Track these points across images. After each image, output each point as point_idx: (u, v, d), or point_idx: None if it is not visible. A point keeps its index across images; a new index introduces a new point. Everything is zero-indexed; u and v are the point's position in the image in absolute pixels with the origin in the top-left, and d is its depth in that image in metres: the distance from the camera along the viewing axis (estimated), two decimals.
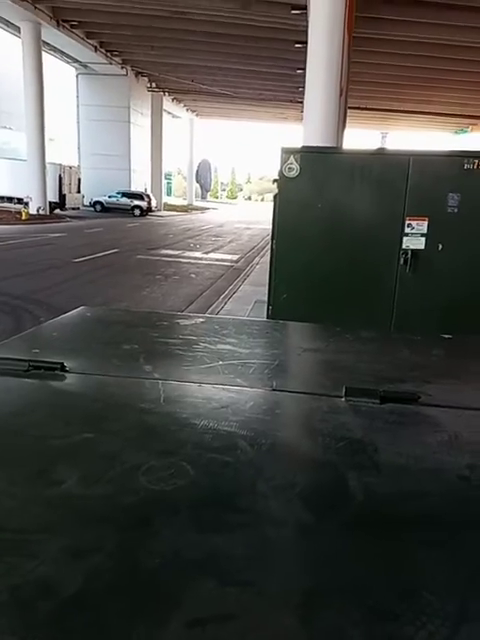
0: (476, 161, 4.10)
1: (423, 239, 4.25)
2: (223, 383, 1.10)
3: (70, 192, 28.44)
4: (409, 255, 4.26)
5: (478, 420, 1.00)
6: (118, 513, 0.67)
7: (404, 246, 4.27)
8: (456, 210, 4.17)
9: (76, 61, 28.76)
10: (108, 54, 27.12)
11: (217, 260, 13.42)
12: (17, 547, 0.60)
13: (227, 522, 0.65)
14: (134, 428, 0.90)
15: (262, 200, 72.17)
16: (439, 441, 0.89)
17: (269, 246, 4.64)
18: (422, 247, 4.26)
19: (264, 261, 10.38)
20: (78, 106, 32.47)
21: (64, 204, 27.35)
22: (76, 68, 30.64)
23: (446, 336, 1.61)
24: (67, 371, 1.10)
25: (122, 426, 0.90)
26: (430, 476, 0.79)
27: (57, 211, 25.83)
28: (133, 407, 0.98)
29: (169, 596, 0.54)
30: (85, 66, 29.51)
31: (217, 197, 78.14)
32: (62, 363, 1.10)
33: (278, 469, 0.79)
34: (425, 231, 4.24)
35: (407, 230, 4.26)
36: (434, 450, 0.86)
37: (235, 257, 14.24)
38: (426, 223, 4.23)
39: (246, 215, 38.95)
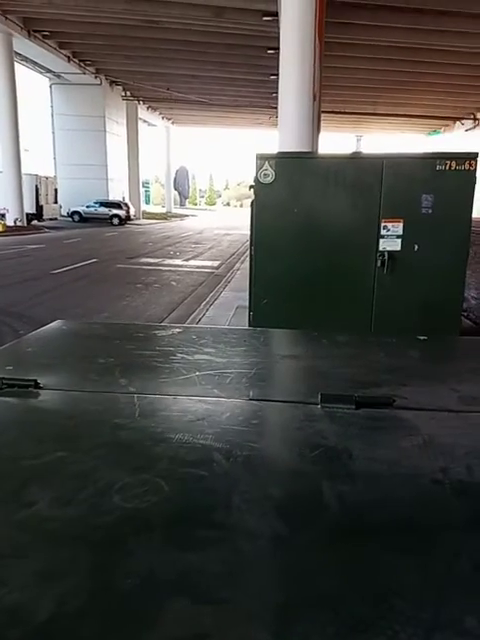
0: (448, 162, 4.17)
1: (399, 241, 4.31)
2: (199, 394, 1.10)
3: (47, 203, 28.25)
4: (386, 257, 4.31)
5: (452, 421, 1.01)
6: (91, 533, 0.66)
7: (381, 248, 4.32)
8: (430, 211, 4.23)
9: (49, 71, 28.60)
10: (81, 64, 27.04)
11: (198, 267, 13.40)
12: None
13: (201, 539, 0.65)
14: (108, 445, 0.89)
15: (241, 206, 72.39)
16: (413, 445, 0.89)
17: (248, 252, 4.65)
18: (398, 248, 4.31)
19: (245, 267, 10.39)
20: (53, 116, 32.28)
21: (41, 215, 27.16)
22: (49, 78, 30.48)
23: (421, 337, 1.62)
24: (41, 388, 1.09)
25: (96, 443, 0.89)
26: (404, 481, 0.79)
27: (34, 222, 25.62)
28: (107, 423, 0.97)
29: (143, 617, 0.53)
30: (58, 76, 29.37)
31: (196, 204, 78.19)
32: (36, 380, 1.09)
33: (253, 481, 0.79)
34: (401, 233, 4.29)
35: (383, 232, 4.31)
36: (408, 454, 0.87)
37: (216, 263, 14.24)
38: (401, 225, 4.29)
39: (225, 221, 39.01)
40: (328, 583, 0.59)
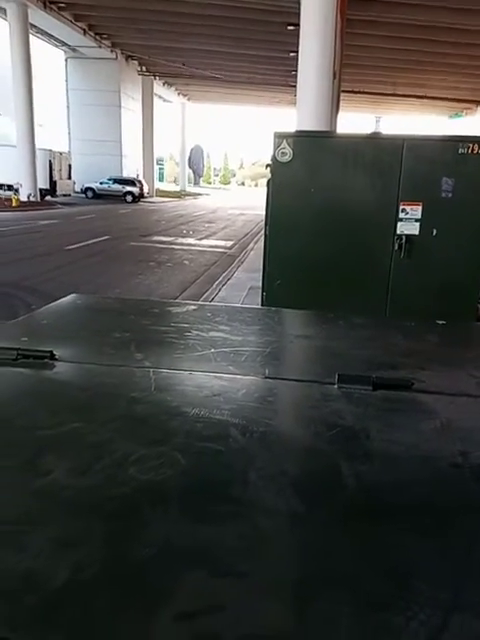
0: (470, 145, 4.07)
1: (417, 224, 4.24)
2: (215, 371, 1.09)
3: (61, 178, 28.16)
4: (403, 240, 4.25)
5: (471, 406, 1.00)
6: (107, 504, 0.66)
7: (398, 231, 4.26)
8: (450, 195, 4.15)
9: (64, 44, 28.27)
10: (97, 37, 26.69)
11: (210, 246, 13.35)
12: (4, 539, 0.59)
13: (218, 512, 0.65)
14: (124, 417, 0.89)
15: (256, 185, 71.79)
16: (432, 428, 0.88)
17: (263, 232, 4.61)
18: (416, 232, 4.25)
19: (258, 247, 10.33)
20: (67, 91, 31.97)
21: (55, 191, 27.10)
22: (65, 51, 30.12)
23: (440, 322, 1.60)
24: (56, 360, 1.09)
25: (112, 415, 0.89)
26: (423, 464, 0.78)
27: (48, 198, 25.58)
28: (123, 396, 0.97)
29: (159, 588, 0.53)
30: (74, 50, 29.01)
31: (210, 183, 77.66)
32: (51, 351, 1.09)
33: (270, 458, 0.78)
34: (419, 216, 4.22)
35: (401, 215, 4.24)
36: (427, 437, 0.86)
37: (229, 243, 14.18)
38: (420, 208, 4.21)
39: (239, 201, 38.74)
40: (345, 561, 0.58)
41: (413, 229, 4.25)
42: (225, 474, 0.73)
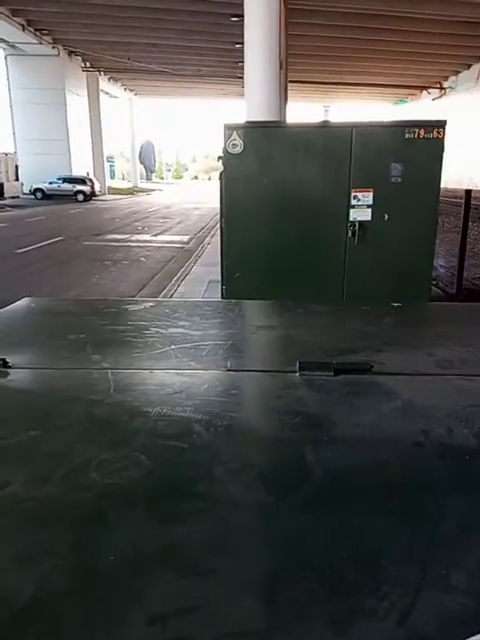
0: (416, 130, 4.16)
1: (369, 210, 4.31)
2: (176, 368, 1.08)
3: (8, 180, 27.35)
4: (357, 227, 4.32)
5: (429, 384, 1.02)
6: (70, 512, 0.64)
7: (351, 218, 4.32)
8: (399, 180, 4.23)
9: (3, 41, 27.30)
10: (37, 33, 25.86)
11: (167, 242, 13.22)
12: None
13: (185, 511, 0.63)
14: (83, 422, 0.86)
15: (209, 179, 71.46)
16: (393, 409, 0.89)
17: (219, 225, 4.59)
18: (369, 218, 4.32)
19: (215, 241, 10.29)
20: (10, 89, 30.93)
21: (2, 193, 26.30)
22: (4, 49, 29.10)
23: (395, 304, 1.63)
24: (10, 367, 1.05)
25: (70, 421, 0.86)
26: (386, 445, 0.79)
27: None
28: (81, 400, 0.94)
29: (128, 593, 0.52)
30: (13, 46, 28.02)
31: (163, 178, 76.80)
32: (4, 359, 1.05)
33: (235, 451, 0.77)
34: (371, 202, 4.29)
35: (354, 202, 4.30)
36: (389, 418, 0.87)
37: (185, 238, 14.08)
38: (372, 194, 4.28)
39: (193, 195, 38.49)
40: (314, 548, 0.58)
41: (365, 215, 4.32)
42: (190, 471, 0.72)
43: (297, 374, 1.02)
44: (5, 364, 1.04)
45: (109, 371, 1.05)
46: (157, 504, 0.65)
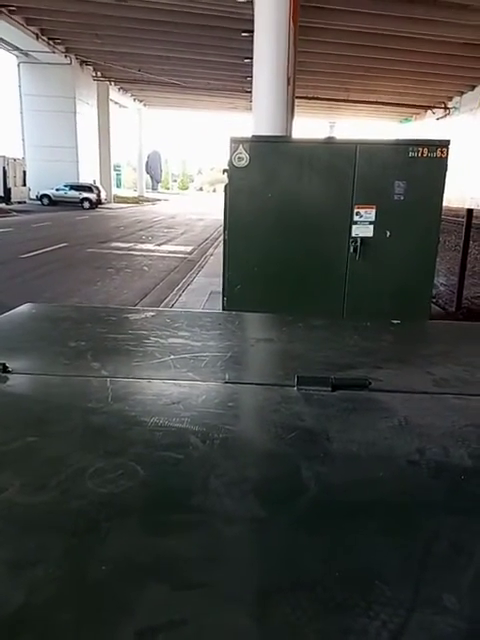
0: (420, 149, 4.19)
1: (371, 227, 4.33)
2: (174, 378, 1.08)
3: (15, 185, 27.50)
4: (358, 243, 4.33)
5: (427, 403, 1.02)
6: (64, 520, 0.64)
7: (353, 234, 4.34)
8: (402, 197, 4.26)
9: (17, 49, 27.62)
10: (50, 42, 26.19)
11: (170, 252, 13.27)
12: None
13: (178, 523, 0.64)
14: (80, 429, 0.86)
15: (214, 191, 71.83)
16: (390, 426, 0.90)
17: (222, 237, 4.61)
18: (371, 235, 4.34)
19: (218, 252, 10.33)
20: (21, 96, 31.25)
21: (9, 198, 26.45)
22: (17, 56, 29.44)
23: (395, 321, 1.63)
24: (9, 372, 1.05)
25: (67, 428, 0.86)
26: (381, 462, 0.79)
27: (2, 205, 24.92)
28: (79, 407, 0.94)
29: (119, 604, 0.52)
30: (26, 54, 28.37)
31: (168, 188, 77.28)
32: (4, 364, 1.06)
33: (231, 464, 0.77)
34: (373, 219, 4.31)
35: (356, 218, 4.33)
36: (385, 436, 0.87)
37: (188, 248, 14.13)
38: (374, 211, 4.31)
39: (198, 206, 38.68)
40: (307, 565, 0.58)
41: (367, 231, 4.34)
42: (185, 483, 0.72)
43: (295, 388, 1.03)
44: (5, 369, 1.05)
45: (108, 379, 1.05)
46: (151, 515, 0.65)
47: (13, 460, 0.76)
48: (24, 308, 1.66)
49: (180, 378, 1.08)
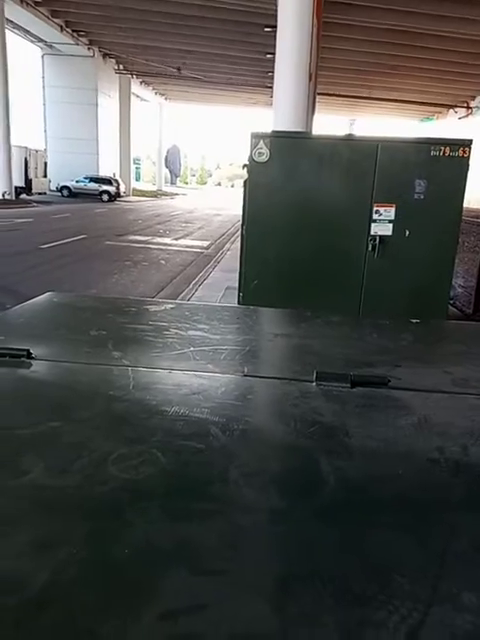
0: (442, 148, 4.15)
1: (390, 225, 4.30)
2: (194, 369, 1.09)
3: (36, 176, 27.73)
4: (377, 241, 4.31)
5: (446, 402, 1.02)
6: (86, 503, 0.65)
7: (372, 232, 4.32)
8: (422, 197, 4.23)
9: (41, 40, 27.84)
10: (74, 34, 26.36)
11: (187, 246, 13.30)
12: None
13: (199, 510, 0.65)
14: (103, 416, 0.88)
15: (232, 186, 71.77)
16: (409, 424, 0.90)
17: (239, 232, 4.61)
18: (389, 233, 4.31)
19: (235, 247, 10.33)
20: (44, 88, 31.50)
21: (30, 189, 26.67)
22: (41, 48, 29.67)
23: (414, 320, 1.63)
24: (33, 358, 1.07)
25: (90, 414, 0.88)
26: (401, 459, 0.79)
27: (23, 196, 25.15)
28: (102, 394, 0.96)
29: (140, 587, 0.53)
30: (50, 46, 28.58)
31: (187, 183, 77.37)
32: (28, 350, 1.07)
33: (250, 455, 0.78)
34: (392, 217, 4.29)
35: (375, 216, 4.30)
36: (404, 433, 0.87)
37: (205, 243, 14.15)
38: (393, 210, 4.28)
39: (216, 201, 38.69)
40: (326, 557, 0.59)
41: (386, 230, 4.31)
42: (206, 472, 0.73)
43: (313, 384, 1.03)
44: (29, 355, 1.07)
45: (129, 368, 1.07)
46: (172, 502, 0.66)
47: (37, 443, 0.78)
48: (46, 297, 1.68)
49: (200, 370, 1.09)
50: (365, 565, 0.57)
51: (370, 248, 4.33)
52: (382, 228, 4.32)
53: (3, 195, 22.38)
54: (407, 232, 4.29)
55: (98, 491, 0.67)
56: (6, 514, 0.63)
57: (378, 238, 4.31)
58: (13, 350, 1.07)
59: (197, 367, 1.10)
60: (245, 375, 1.08)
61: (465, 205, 4.42)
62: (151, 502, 0.66)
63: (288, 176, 4.30)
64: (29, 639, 0.46)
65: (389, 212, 4.29)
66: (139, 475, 0.70)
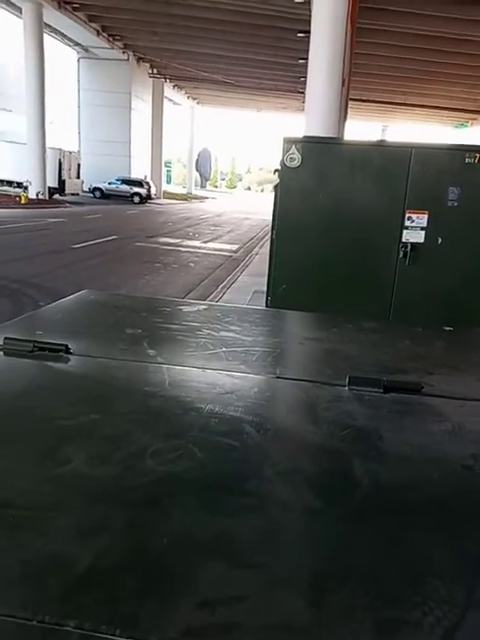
0: (477, 155, 4.08)
1: (423, 233, 4.25)
2: (227, 369, 1.11)
3: (70, 177, 28.25)
4: (409, 248, 4.26)
5: None
6: (126, 493, 0.67)
7: (404, 239, 4.27)
8: (456, 204, 4.16)
9: (77, 44, 28.44)
10: (110, 38, 26.82)
11: (216, 250, 13.38)
12: (27, 524, 0.60)
13: (235, 505, 0.66)
14: (140, 411, 0.90)
15: (262, 191, 71.86)
16: (442, 431, 0.89)
17: (268, 237, 4.62)
18: (422, 240, 4.26)
19: (263, 251, 10.36)
20: (79, 90, 32.12)
21: (63, 189, 27.19)
22: (77, 51, 30.29)
23: (447, 328, 1.61)
24: (71, 353, 1.10)
25: (128, 409, 0.90)
26: (434, 465, 0.79)
27: (56, 196, 25.66)
28: (138, 390, 0.98)
29: (179, 576, 0.54)
30: (86, 50, 29.18)
31: (216, 186, 77.76)
32: (66, 345, 1.11)
33: (284, 454, 0.79)
34: (425, 225, 4.23)
35: (407, 223, 4.26)
36: (438, 439, 0.87)
37: (234, 247, 14.21)
38: (426, 217, 4.23)
39: (245, 205, 38.79)
40: (360, 557, 0.59)
41: (418, 237, 4.26)
42: (241, 468, 0.74)
43: (346, 388, 1.04)
44: (67, 350, 1.10)
45: (164, 366, 1.09)
46: (209, 495, 0.68)
47: (78, 434, 0.80)
48: (82, 294, 1.73)
49: (232, 370, 1.11)
50: (399, 566, 0.58)
51: (401, 255, 4.28)
52: (414, 235, 4.27)
53: (37, 195, 22.87)
54: (439, 240, 4.23)
55: (137, 482, 0.69)
56: (51, 501, 0.65)
57: (410, 245, 4.27)
58: (52, 344, 1.10)
59: (230, 367, 1.12)
60: (277, 377, 1.10)
61: None
62: (188, 495, 0.67)
63: (319, 181, 4.29)
64: (73, 617, 0.48)
65: (422, 219, 4.24)
66: (176, 468, 0.72)
